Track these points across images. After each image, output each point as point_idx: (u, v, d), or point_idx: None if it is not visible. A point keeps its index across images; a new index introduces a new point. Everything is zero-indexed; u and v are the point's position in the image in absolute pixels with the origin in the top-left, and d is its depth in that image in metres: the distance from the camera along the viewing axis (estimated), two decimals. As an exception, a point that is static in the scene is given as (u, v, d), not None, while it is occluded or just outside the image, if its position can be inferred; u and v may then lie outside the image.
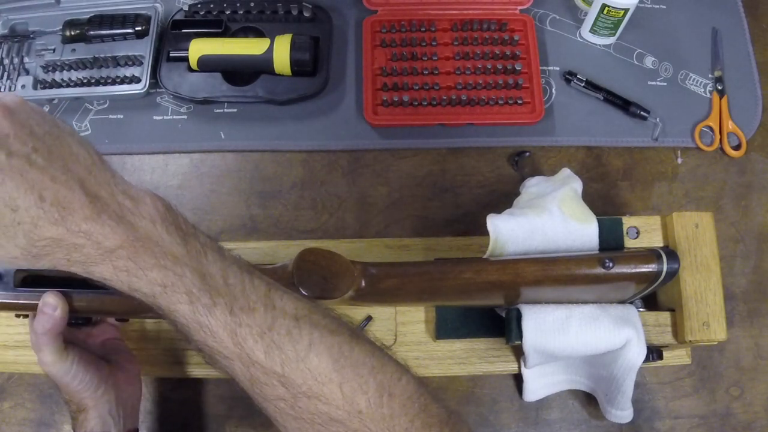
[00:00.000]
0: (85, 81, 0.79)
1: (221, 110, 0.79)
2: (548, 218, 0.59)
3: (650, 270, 0.56)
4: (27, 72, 0.80)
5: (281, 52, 0.75)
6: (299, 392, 0.37)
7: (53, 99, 0.80)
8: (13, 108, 0.34)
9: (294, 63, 0.75)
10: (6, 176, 0.32)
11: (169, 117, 0.79)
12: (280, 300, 0.38)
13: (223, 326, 0.36)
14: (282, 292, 0.39)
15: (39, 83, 0.79)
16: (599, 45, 0.82)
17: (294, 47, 0.75)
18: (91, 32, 0.79)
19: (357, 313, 0.66)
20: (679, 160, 0.77)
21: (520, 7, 0.81)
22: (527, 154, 0.76)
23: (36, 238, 0.34)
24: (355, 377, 0.37)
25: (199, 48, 0.76)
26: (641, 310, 0.63)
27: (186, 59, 0.77)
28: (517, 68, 0.78)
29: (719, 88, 0.79)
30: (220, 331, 0.36)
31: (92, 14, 0.81)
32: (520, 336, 0.58)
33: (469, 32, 0.81)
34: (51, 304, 0.49)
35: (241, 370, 0.37)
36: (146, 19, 0.80)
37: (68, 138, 0.36)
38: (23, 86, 0.78)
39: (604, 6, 0.75)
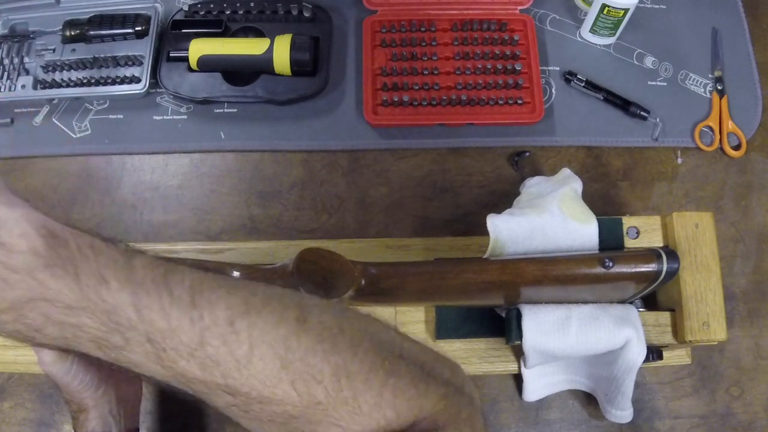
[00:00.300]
0: (85, 81, 0.79)
1: (221, 110, 0.79)
2: (548, 218, 0.59)
3: (650, 270, 0.56)
4: (27, 72, 0.80)
5: (281, 52, 0.75)
6: (249, 399, 0.34)
7: (53, 99, 0.80)
8: None
9: (294, 63, 0.75)
10: None
11: (169, 117, 0.79)
12: (209, 307, 0.33)
13: (146, 358, 0.32)
14: (210, 291, 0.34)
15: (39, 83, 0.79)
16: (599, 45, 0.82)
17: (294, 47, 0.75)
18: (91, 32, 0.79)
19: (357, 313, 0.66)
20: (679, 160, 0.77)
21: (520, 7, 0.81)
22: (527, 154, 0.76)
23: None
24: (307, 369, 0.34)
25: (199, 48, 0.76)
26: (641, 310, 0.63)
27: (186, 59, 0.77)
28: (517, 68, 0.78)
29: (719, 88, 0.79)
30: (144, 361, 0.32)
31: (92, 14, 0.81)
32: (520, 336, 0.58)
33: (469, 32, 0.81)
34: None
35: (183, 387, 0.34)
36: (146, 19, 0.80)
37: None
38: (23, 86, 0.78)
39: (604, 6, 0.75)
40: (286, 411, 0.34)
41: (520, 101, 0.77)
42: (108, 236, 0.34)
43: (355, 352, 0.35)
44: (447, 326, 0.65)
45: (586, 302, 0.59)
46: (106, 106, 0.80)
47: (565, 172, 0.65)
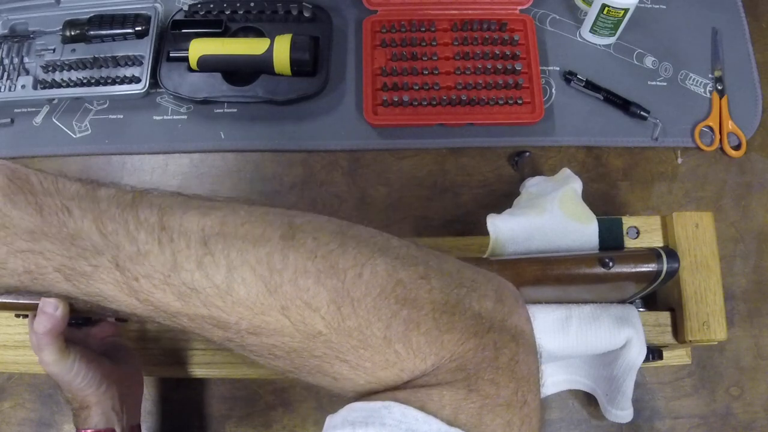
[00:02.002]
0: (85, 81, 0.79)
1: (221, 110, 0.79)
2: (548, 218, 0.59)
3: (650, 269, 0.55)
4: (27, 72, 0.80)
5: (281, 52, 0.75)
6: (240, 330, 0.30)
7: (53, 99, 0.80)
8: None
9: (294, 63, 0.75)
10: None
11: (169, 117, 0.79)
12: (178, 226, 0.30)
13: (118, 288, 0.29)
14: (181, 211, 0.30)
15: (39, 83, 0.79)
16: (599, 45, 0.82)
17: (294, 47, 0.75)
18: (91, 32, 0.79)
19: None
20: (679, 160, 0.77)
21: (520, 7, 0.81)
22: (527, 154, 0.76)
23: None
24: (298, 293, 0.29)
25: (199, 48, 0.76)
26: (641, 310, 0.63)
27: (186, 59, 0.77)
28: (517, 68, 0.78)
29: (719, 88, 0.79)
30: (117, 294, 0.30)
31: (92, 14, 0.81)
32: (520, 336, 0.58)
33: (469, 32, 0.81)
34: (52, 303, 0.49)
35: (171, 323, 0.31)
36: (146, 19, 0.80)
37: None
38: (23, 86, 0.78)
39: (604, 6, 0.75)
40: (284, 343, 0.30)
41: (520, 101, 0.77)
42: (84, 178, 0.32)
43: (360, 272, 0.30)
44: (447, 326, 0.65)
45: (586, 302, 0.59)
46: (106, 106, 0.80)
47: (565, 172, 0.65)
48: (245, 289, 0.29)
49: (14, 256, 0.29)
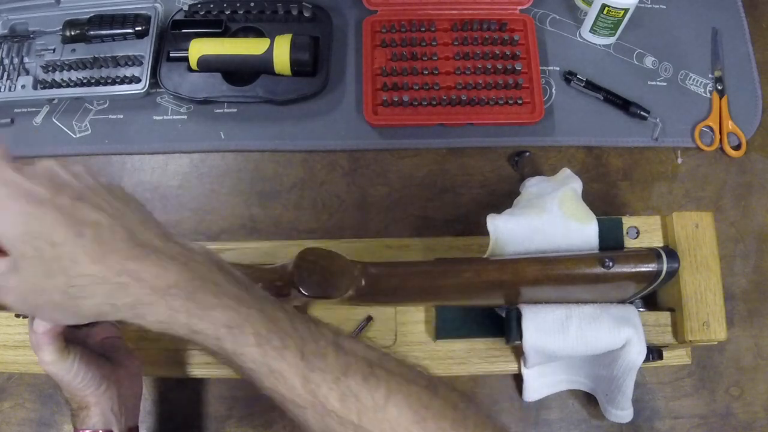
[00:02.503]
0: (85, 81, 0.79)
1: (221, 110, 0.79)
2: (548, 218, 0.59)
3: (650, 269, 0.56)
4: (27, 72, 0.80)
5: (281, 52, 0.75)
6: None
7: (53, 99, 0.80)
8: (80, 169, 0.36)
9: (294, 63, 0.75)
10: (47, 211, 0.32)
11: (169, 117, 0.79)
12: (349, 344, 0.36)
13: (294, 371, 0.34)
14: (350, 337, 0.37)
15: (39, 83, 0.79)
16: (599, 45, 0.82)
17: (294, 47, 0.75)
18: (91, 32, 0.79)
19: (357, 313, 0.66)
20: (679, 160, 0.77)
21: (520, 7, 0.81)
22: (527, 154, 0.76)
23: (74, 274, 0.32)
24: (438, 428, 0.34)
25: (199, 48, 0.76)
26: (641, 310, 0.63)
27: (186, 59, 0.77)
28: (517, 68, 0.78)
29: (719, 88, 0.79)
30: (292, 376, 0.34)
31: (92, 14, 0.81)
32: (520, 336, 0.58)
33: (469, 32, 0.81)
34: (51, 303, 0.49)
35: (315, 420, 0.35)
36: (146, 19, 0.80)
37: (125, 201, 0.35)
38: (23, 86, 0.78)
39: (604, 6, 0.75)
40: None
41: (520, 101, 0.77)
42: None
43: (477, 426, 0.36)
44: (447, 326, 0.65)
45: (586, 302, 0.59)
46: (106, 106, 0.80)
47: (565, 172, 0.65)
48: (397, 411, 0.34)
49: (221, 308, 0.33)
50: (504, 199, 0.71)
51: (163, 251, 0.33)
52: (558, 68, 0.80)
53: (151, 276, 0.33)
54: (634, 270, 0.56)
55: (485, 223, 0.59)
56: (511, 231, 0.58)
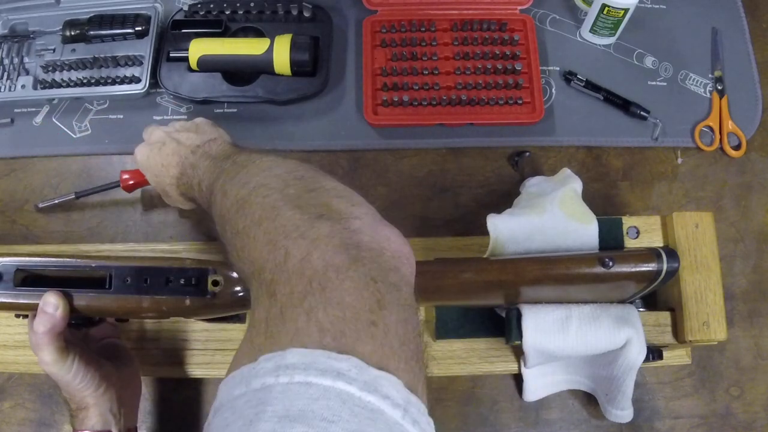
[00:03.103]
0: (85, 81, 0.78)
1: (221, 110, 0.79)
2: (548, 218, 0.59)
3: (650, 269, 0.56)
4: (27, 72, 0.80)
5: (281, 52, 0.75)
6: (243, 254, 0.39)
7: (53, 99, 0.80)
8: (176, 123, 0.62)
9: (294, 63, 0.75)
10: (146, 150, 0.61)
11: (169, 117, 0.79)
12: (262, 164, 0.47)
13: (209, 173, 0.51)
14: (275, 161, 0.47)
15: (39, 83, 0.79)
16: (599, 45, 0.82)
17: (294, 47, 0.75)
18: (91, 32, 0.79)
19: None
20: (679, 160, 0.77)
21: (520, 7, 0.81)
22: (527, 154, 0.76)
23: (155, 172, 0.60)
24: (275, 217, 0.37)
25: (199, 48, 0.76)
26: (641, 310, 0.63)
27: (186, 59, 0.77)
28: (517, 68, 0.78)
29: (719, 88, 0.79)
30: (209, 178, 0.50)
31: (92, 14, 0.81)
32: (520, 336, 0.58)
33: (469, 32, 0.81)
34: (52, 303, 0.49)
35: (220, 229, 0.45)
36: (146, 19, 0.80)
37: (191, 130, 0.59)
38: (23, 86, 0.78)
39: (604, 6, 0.75)
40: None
41: (520, 101, 0.77)
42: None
43: (284, 175, 0.43)
44: (447, 326, 0.65)
45: (586, 302, 0.59)
46: (106, 106, 0.80)
47: (565, 172, 0.65)
48: (252, 226, 0.39)
49: (192, 153, 0.56)
50: (504, 199, 0.71)
51: (188, 146, 0.57)
52: (558, 68, 0.80)
53: (177, 156, 0.57)
54: (634, 270, 0.56)
55: (485, 223, 0.59)
56: (511, 231, 0.58)
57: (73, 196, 0.73)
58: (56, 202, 0.73)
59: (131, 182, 0.70)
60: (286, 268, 0.33)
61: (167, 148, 0.58)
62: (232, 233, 0.41)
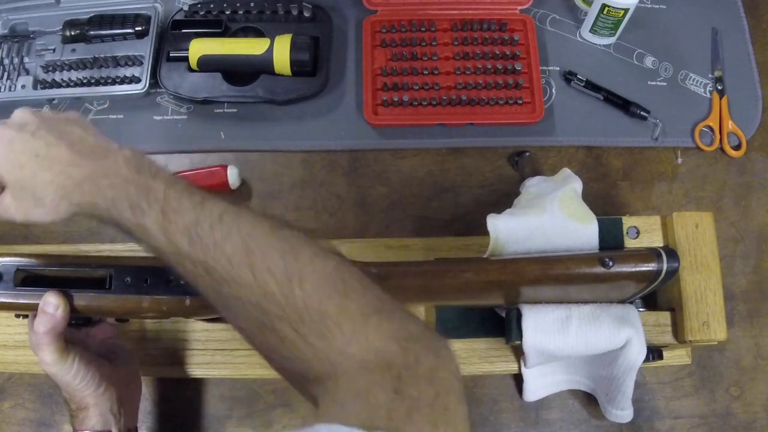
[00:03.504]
0: (85, 81, 0.79)
1: (221, 110, 0.79)
2: (548, 218, 0.59)
3: (650, 269, 0.55)
4: (27, 72, 0.80)
5: (281, 52, 0.75)
6: (221, 278, 0.41)
7: (53, 99, 0.79)
8: (44, 110, 0.48)
9: (294, 63, 0.75)
10: (13, 145, 0.44)
11: (169, 117, 0.79)
12: (212, 204, 0.43)
13: (155, 224, 0.42)
14: (218, 199, 0.44)
15: (39, 83, 0.79)
16: (599, 45, 0.82)
17: (294, 47, 0.75)
18: (91, 32, 0.79)
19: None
20: (679, 160, 0.77)
21: (520, 7, 0.81)
22: (527, 154, 0.76)
23: (36, 182, 0.44)
24: (264, 259, 0.40)
25: (199, 48, 0.76)
26: (641, 310, 0.63)
27: (186, 59, 0.77)
28: (517, 68, 0.78)
29: (719, 88, 0.79)
30: (155, 229, 0.42)
31: (92, 14, 0.81)
32: (520, 336, 0.58)
33: (469, 32, 0.81)
34: (52, 303, 0.49)
35: (177, 263, 0.43)
36: (146, 19, 0.80)
37: (66, 124, 0.47)
38: (23, 86, 0.78)
39: (604, 6, 0.75)
40: (247, 296, 0.40)
41: (520, 101, 0.77)
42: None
43: (313, 261, 0.41)
44: (447, 326, 0.65)
45: (586, 302, 0.59)
46: (106, 106, 0.80)
47: (565, 172, 0.65)
48: (231, 247, 0.41)
49: (111, 188, 0.43)
50: (504, 199, 0.71)
51: (89, 155, 0.45)
52: (558, 68, 0.80)
53: (75, 175, 0.44)
54: (634, 269, 0.56)
55: (485, 223, 0.59)
56: (511, 231, 0.58)
57: None
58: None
59: None
60: (417, 373, 0.36)
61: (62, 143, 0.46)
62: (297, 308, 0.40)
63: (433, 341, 0.40)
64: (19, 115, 0.47)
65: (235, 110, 0.79)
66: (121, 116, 0.79)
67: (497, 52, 0.79)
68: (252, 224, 0.42)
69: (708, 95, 0.79)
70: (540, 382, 0.65)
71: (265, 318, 0.39)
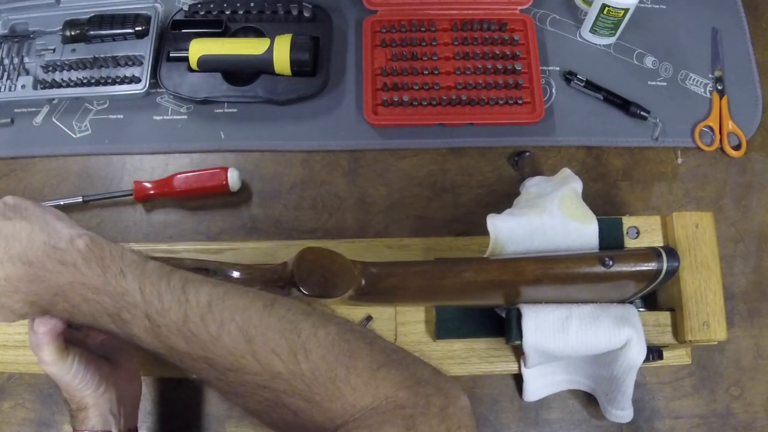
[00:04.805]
0: (85, 81, 0.79)
1: (221, 110, 0.79)
2: (548, 218, 0.59)
3: (650, 268, 0.56)
4: (27, 72, 0.80)
5: (281, 52, 0.75)
6: (224, 368, 0.40)
7: (53, 99, 0.80)
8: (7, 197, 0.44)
9: (294, 63, 0.75)
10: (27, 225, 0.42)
11: (169, 117, 0.79)
12: (195, 293, 0.42)
13: (146, 332, 0.41)
14: (198, 283, 0.42)
15: (39, 83, 0.79)
16: (599, 45, 0.82)
17: (294, 47, 0.75)
18: (91, 32, 0.79)
19: (357, 313, 0.66)
20: (679, 160, 0.77)
21: (520, 7, 0.81)
22: (527, 154, 0.76)
23: None
24: (266, 343, 0.40)
25: (199, 48, 0.76)
26: (641, 310, 0.63)
27: (186, 59, 0.77)
28: (517, 68, 0.78)
29: (719, 88, 0.79)
30: (145, 336, 0.41)
31: (92, 14, 0.81)
32: (520, 336, 0.58)
33: (469, 32, 0.81)
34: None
35: (179, 361, 0.42)
36: (146, 19, 0.80)
37: (4, 224, 0.42)
38: (23, 86, 0.78)
39: (604, 6, 0.75)
40: (254, 380, 0.40)
41: (520, 101, 0.77)
42: (136, 250, 0.44)
43: (316, 332, 0.41)
44: (447, 326, 0.65)
45: (586, 302, 0.59)
46: (106, 106, 0.80)
47: (565, 172, 0.65)
48: (230, 339, 0.40)
49: (85, 303, 0.41)
50: (504, 199, 0.71)
51: (47, 265, 0.42)
52: (558, 68, 0.80)
53: (40, 290, 0.42)
54: (634, 269, 0.56)
55: (485, 223, 0.59)
56: (511, 231, 0.58)
57: (80, 200, 0.73)
58: (61, 203, 0.73)
59: (151, 192, 0.72)
60: (428, 411, 0.38)
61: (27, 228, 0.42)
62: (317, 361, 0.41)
63: (443, 382, 0.41)
64: None
65: (235, 110, 0.79)
66: (121, 116, 0.79)
67: (497, 52, 0.79)
68: (244, 306, 0.41)
69: (708, 95, 0.79)
70: (540, 382, 0.65)
71: (275, 397, 0.40)
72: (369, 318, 0.66)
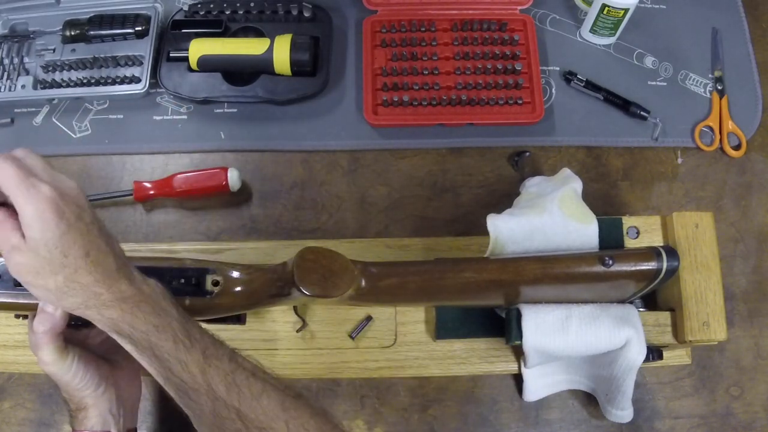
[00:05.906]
0: (85, 81, 0.79)
1: (221, 110, 0.79)
2: (548, 218, 0.59)
3: (650, 267, 0.56)
4: (27, 72, 0.80)
5: (281, 52, 0.75)
6: (253, 426, 0.45)
7: (53, 99, 0.80)
8: (87, 201, 0.45)
9: (294, 63, 0.75)
10: (70, 230, 0.42)
11: (169, 117, 0.79)
12: (242, 360, 0.48)
13: (196, 364, 0.46)
14: (244, 357, 0.49)
15: (39, 83, 0.79)
16: (599, 45, 0.82)
17: (294, 47, 0.75)
18: (91, 32, 0.79)
19: (357, 313, 0.66)
20: (679, 160, 0.77)
21: (520, 7, 0.81)
22: (527, 154, 0.76)
23: (71, 279, 0.43)
24: (299, 417, 0.46)
25: (199, 48, 0.76)
26: (641, 309, 0.63)
27: (186, 59, 0.77)
28: (517, 68, 0.78)
29: (719, 88, 0.79)
30: (194, 367, 0.46)
31: (92, 14, 0.81)
32: (520, 336, 0.58)
33: (469, 32, 0.81)
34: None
35: (207, 404, 0.45)
36: (146, 19, 0.80)
37: (107, 232, 0.47)
38: (23, 86, 0.78)
39: (604, 6, 0.75)
40: None
41: (520, 101, 0.77)
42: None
43: (339, 425, 0.49)
44: (447, 326, 0.65)
45: (586, 302, 0.59)
46: (106, 106, 0.80)
47: (565, 172, 0.65)
48: (268, 402, 0.46)
49: (154, 315, 0.47)
50: (504, 199, 0.71)
51: (129, 276, 0.46)
52: (558, 68, 0.80)
53: (118, 290, 0.45)
54: (634, 268, 0.56)
55: (485, 223, 0.59)
56: (511, 231, 0.58)
57: None
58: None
59: (151, 192, 0.72)
60: None
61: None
62: None
63: None
64: (76, 194, 0.44)
65: (235, 110, 0.79)
66: (121, 116, 0.79)
67: (497, 52, 0.79)
68: (279, 387, 0.48)
69: (708, 95, 0.79)
70: (540, 382, 0.65)
71: None
72: (369, 318, 0.66)
